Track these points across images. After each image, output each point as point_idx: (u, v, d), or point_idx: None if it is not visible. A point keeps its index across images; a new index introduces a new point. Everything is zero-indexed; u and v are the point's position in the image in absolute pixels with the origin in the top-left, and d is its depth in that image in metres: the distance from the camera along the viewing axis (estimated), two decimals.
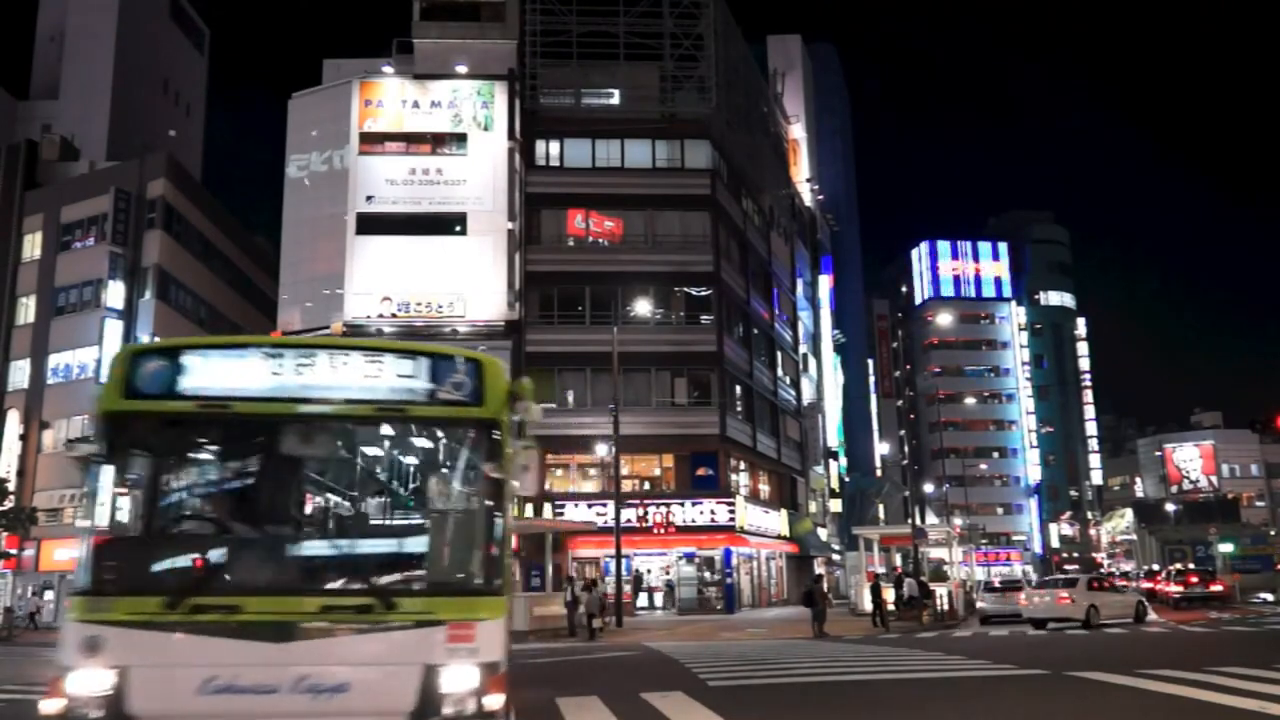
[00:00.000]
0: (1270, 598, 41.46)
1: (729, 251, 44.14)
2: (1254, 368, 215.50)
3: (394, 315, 40.02)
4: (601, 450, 37.99)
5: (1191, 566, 48.61)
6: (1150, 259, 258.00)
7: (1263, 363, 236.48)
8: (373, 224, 40.74)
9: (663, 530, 38.57)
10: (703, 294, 41.73)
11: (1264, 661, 14.48)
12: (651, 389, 40.60)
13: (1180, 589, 38.71)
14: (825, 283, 66.72)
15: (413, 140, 41.81)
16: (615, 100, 44.17)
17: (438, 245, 40.65)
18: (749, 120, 50.81)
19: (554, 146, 43.02)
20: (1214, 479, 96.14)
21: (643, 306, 40.22)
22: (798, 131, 65.52)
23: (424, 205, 40.98)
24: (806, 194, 65.19)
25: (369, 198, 40.97)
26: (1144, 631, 24.64)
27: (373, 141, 41.72)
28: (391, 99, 42.05)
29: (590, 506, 38.44)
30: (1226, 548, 58.81)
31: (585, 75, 43.56)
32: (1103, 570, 78.65)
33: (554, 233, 42.20)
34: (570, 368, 40.46)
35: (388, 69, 42.95)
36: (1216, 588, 38.57)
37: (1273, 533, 76.47)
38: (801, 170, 65.08)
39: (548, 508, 38.66)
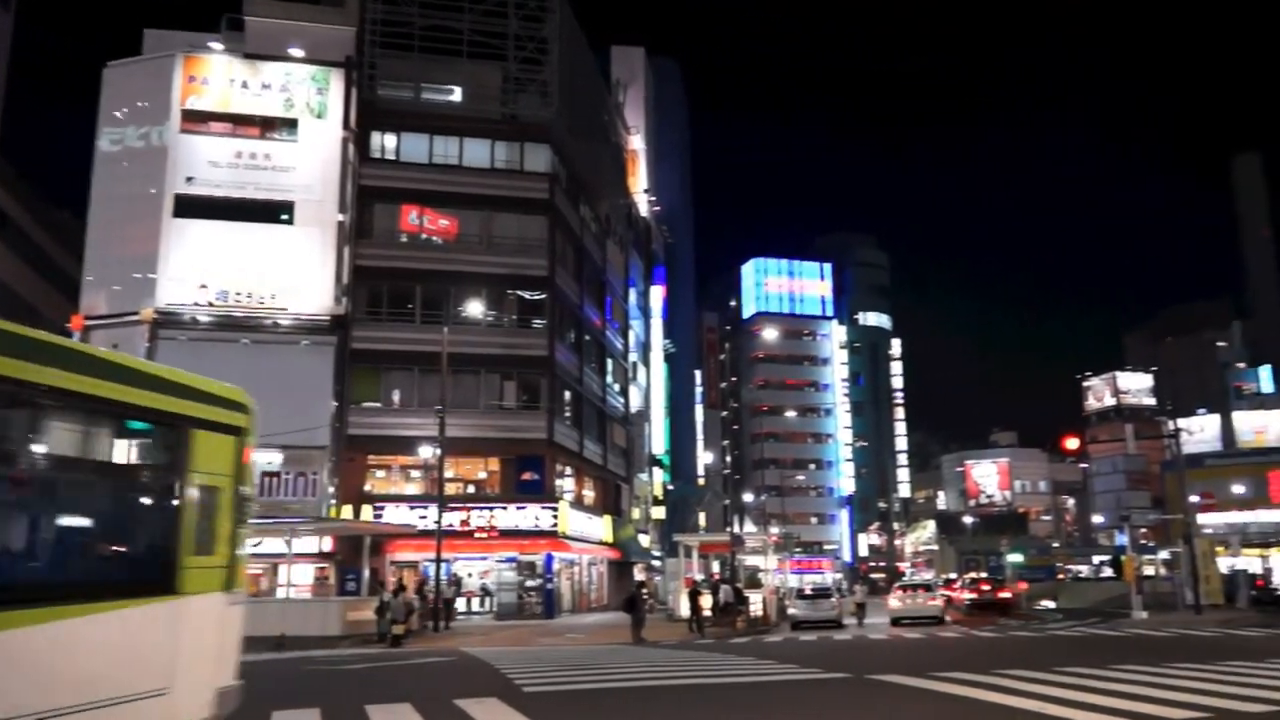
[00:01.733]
0: (1052, 605, 44.64)
1: (564, 257, 44.21)
2: (1047, 391, 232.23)
3: (211, 304, 38.08)
4: (426, 452, 37.29)
5: (984, 575, 51.71)
6: (961, 286, 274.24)
7: (1055, 387, 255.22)
8: (192, 207, 38.64)
9: (486, 535, 38.19)
10: (536, 298, 41.62)
11: (1044, 664, 15.61)
12: (480, 391, 40.16)
13: (974, 596, 41.00)
14: (658, 293, 67.77)
15: (240, 122, 39.93)
16: (456, 97, 43.56)
17: (262, 233, 38.95)
18: (590, 128, 51.10)
19: (390, 140, 42.02)
20: (1008, 494, 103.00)
21: (475, 308, 39.76)
22: (637, 143, 66.33)
23: (249, 191, 39.18)
24: (643, 205, 66.07)
25: (189, 179, 38.84)
26: (939, 636, 26.11)
27: (196, 120, 39.59)
28: (219, 77, 40.04)
29: (412, 509, 37.65)
30: (1016, 558, 63.09)
31: (426, 69, 42.76)
32: (905, 578, 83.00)
33: (387, 228, 41.17)
34: (398, 367, 39.56)
35: (216, 45, 40.91)
36: (1005, 595, 41.08)
37: (1056, 545, 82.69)
38: (639, 181, 65.91)
39: (367, 510, 37.66)
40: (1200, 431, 68.76)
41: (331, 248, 39.14)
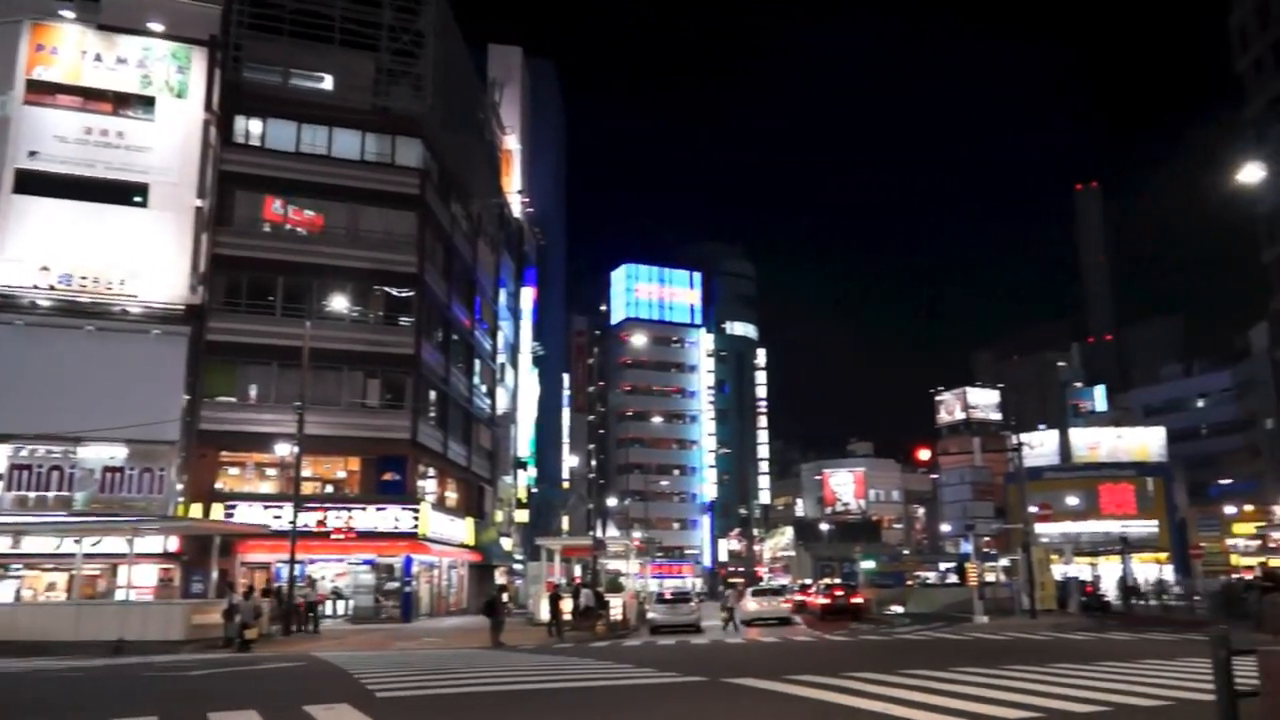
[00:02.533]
0: (900, 610, 46.32)
1: (434, 254, 43.52)
2: (903, 404, 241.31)
3: (53, 288, 35.92)
4: (283, 450, 36.07)
5: (838, 581, 53.29)
6: (826, 301, 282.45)
7: (910, 400, 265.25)
8: (35, 183, 36.38)
9: (343, 536, 37.20)
10: (404, 295, 40.83)
11: (890, 667, 16.19)
12: (342, 389, 39.14)
13: (827, 601, 42.19)
14: (528, 295, 67.44)
15: (92, 96, 37.81)
16: (327, 85, 42.37)
17: (113, 215, 36.98)
18: (464, 124, 50.49)
19: (255, 125, 40.54)
20: (863, 502, 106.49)
21: (339, 302, 38.74)
22: (512, 143, 65.92)
23: (100, 170, 37.14)
24: (516, 205, 65.68)
25: (32, 153, 36.56)
26: (794, 641, 26.77)
27: (43, 91, 37.30)
28: (70, 48, 37.83)
29: (266, 509, 36.37)
30: (868, 564, 65.36)
31: (296, 54, 41.44)
32: (762, 583, 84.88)
33: (248, 216, 39.66)
34: (256, 361, 38.16)
35: (68, 13, 38.65)
36: (857, 600, 42.42)
37: (906, 552, 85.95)
38: (513, 181, 65.49)
39: (218, 508, 36.19)
40: (1040, 446, 72.63)
41: (188, 234, 37.47)
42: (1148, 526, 69.02)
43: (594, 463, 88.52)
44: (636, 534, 75.99)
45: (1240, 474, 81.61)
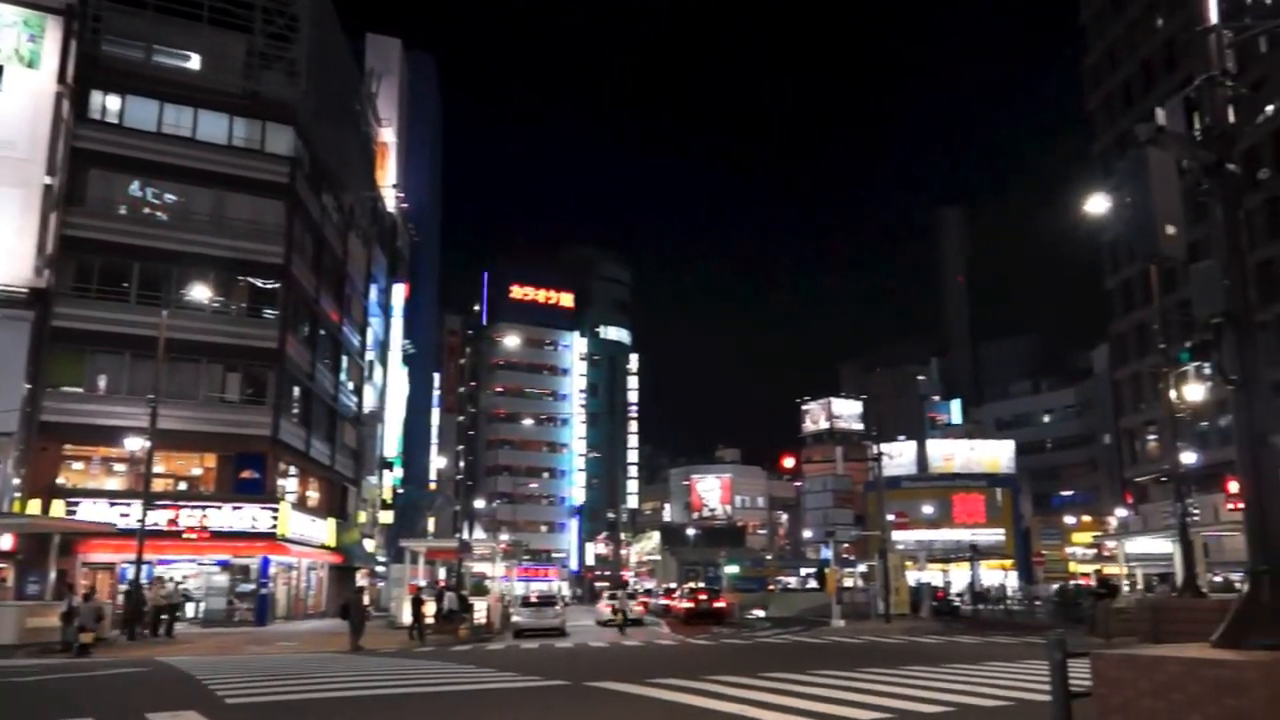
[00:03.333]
0: (762, 614, 47.29)
1: (303, 246, 42.23)
2: (771, 413, 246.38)
3: None
4: (134, 444, 34.33)
5: (702, 585, 54.02)
6: (700, 309, 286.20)
7: (778, 408, 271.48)
8: None
9: (196, 536, 35.68)
10: (269, 286, 39.46)
11: (750, 670, 16.51)
12: (200, 381, 37.56)
13: (691, 605, 42.76)
14: (400, 291, 66.16)
15: None
16: (194, 64, 40.58)
17: None
18: (339, 114, 49.19)
19: (114, 101, 38.52)
20: (729, 508, 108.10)
21: (200, 292, 37.14)
22: (388, 135, 64.59)
23: None
24: (391, 200, 64.37)
25: None
26: (657, 644, 27.02)
27: None
28: None
29: (113, 506, 34.54)
30: (732, 569, 66.49)
31: (161, 30, 39.55)
32: (629, 586, 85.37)
33: (103, 197, 37.63)
34: (106, 350, 36.23)
35: None
36: (720, 605, 43.12)
37: (769, 557, 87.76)
38: (388, 175, 64.17)
39: (58, 505, 34.19)
40: (900, 456, 75.31)
41: (35, 213, 35.25)
42: (995, 535, 72.39)
43: (462, 464, 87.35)
44: (504, 537, 75.40)
45: (1080, 486, 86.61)
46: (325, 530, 44.49)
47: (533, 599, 37.21)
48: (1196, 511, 37.55)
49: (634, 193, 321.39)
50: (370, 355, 57.39)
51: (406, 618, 31.13)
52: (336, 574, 47.80)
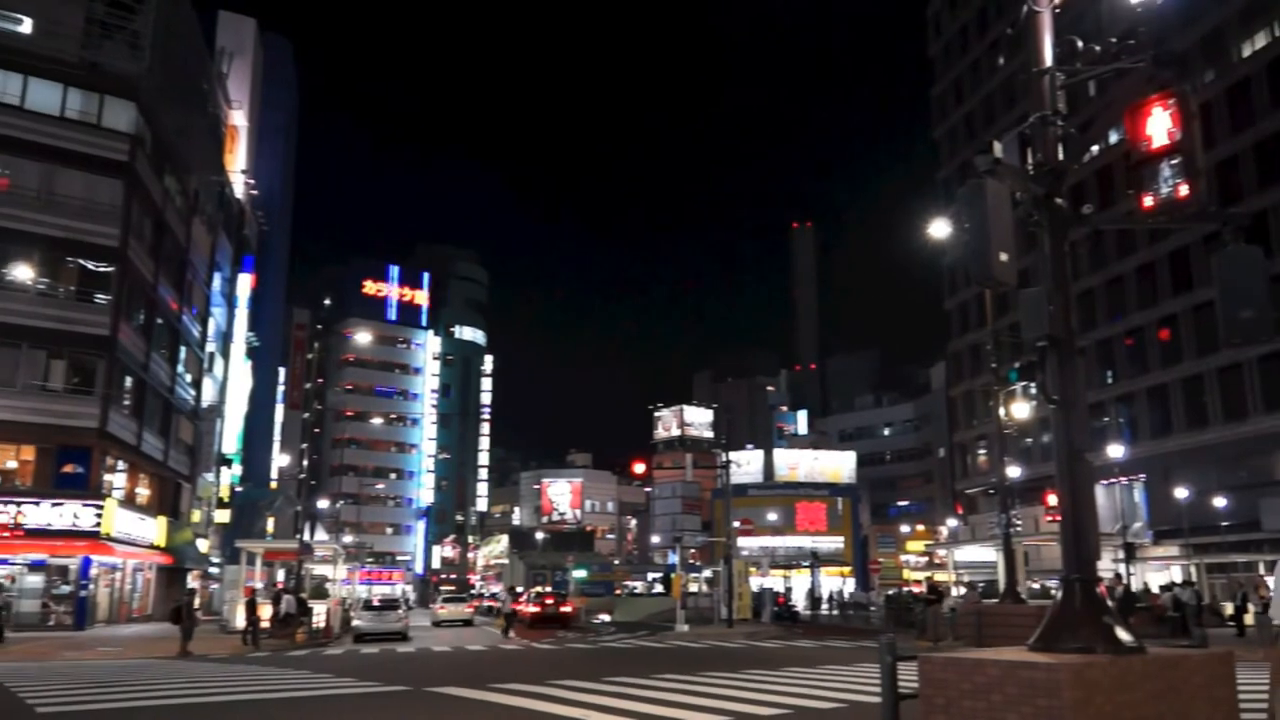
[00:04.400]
0: (608, 618, 47.49)
1: (141, 229, 40.01)
2: (624, 418, 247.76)
3: None
4: None
5: (549, 589, 53.89)
6: (557, 314, 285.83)
7: (631, 414, 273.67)
8: None
9: (9, 534, 33.29)
10: (102, 270, 37.21)
11: (594, 675, 16.56)
12: (20, 368, 35.06)
13: (538, 609, 42.59)
14: (246, 282, 63.50)
15: None
16: (25, 29, 37.94)
17: None
18: (186, 93, 46.91)
19: None
20: (579, 512, 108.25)
21: (23, 272, 34.72)
22: (239, 119, 61.99)
23: None
24: (239, 186, 61.78)
25: None
26: (501, 649, 26.81)
27: None
28: None
29: None
30: (580, 573, 66.54)
31: None
32: (473, 589, 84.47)
33: None
34: None
35: None
36: (566, 609, 43.10)
37: (617, 562, 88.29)
38: (237, 160, 61.57)
39: None
40: (747, 464, 77.02)
41: None
42: (835, 542, 74.87)
43: (306, 463, 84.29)
44: (347, 538, 73.40)
45: (915, 496, 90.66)
46: (155, 529, 42.26)
47: (375, 602, 36.34)
48: (1019, 522, 39.80)
49: (494, 195, 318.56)
50: (211, 347, 54.89)
51: (240, 621, 29.89)
52: (166, 576, 45.46)
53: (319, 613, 32.58)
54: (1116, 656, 5.96)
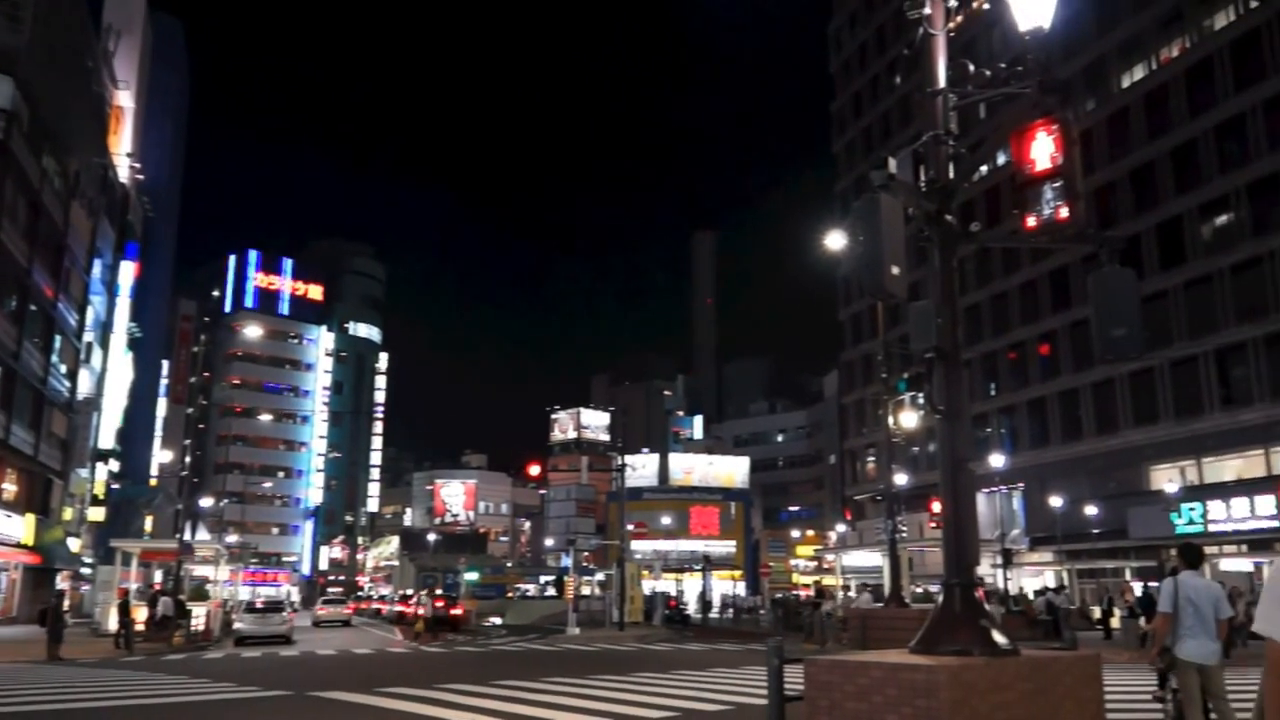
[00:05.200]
0: (499, 621, 47.15)
1: (15, 210, 38.00)
2: (521, 420, 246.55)
3: None
4: None
5: (439, 592, 53.21)
6: (455, 313, 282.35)
7: (529, 416, 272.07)
8: None
9: None
10: None
11: (483, 678, 16.41)
12: None
13: (427, 612, 41.95)
14: (129, 270, 60.93)
15: None
16: None
17: None
18: (68, 70, 44.80)
19: None
20: (472, 514, 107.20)
21: None
22: (125, 100, 59.50)
23: None
24: (124, 169, 59.28)
25: None
26: (389, 652, 26.33)
27: None
28: None
29: None
30: (472, 576, 65.83)
31: None
32: (361, 592, 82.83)
33: None
34: None
35: None
36: (456, 612, 42.57)
37: (510, 564, 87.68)
38: (123, 142, 59.09)
39: None
40: (643, 468, 77.34)
41: None
42: (728, 546, 75.83)
43: (189, 459, 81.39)
44: (231, 538, 71.16)
45: (806, 502, 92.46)
46: (22, 527, 40.18)
47: (258, 604, 35.30)
48: (905, 528, 41.01)
49: (394, 192, 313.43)
50: (89, 337, 52.49)
51: (113, 624, 28.67)
52: (34, 576, 43.27)
53: (198, 615, 31.51)
54: (992, 658, 6.17)
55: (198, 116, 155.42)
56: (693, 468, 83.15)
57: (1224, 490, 38.41)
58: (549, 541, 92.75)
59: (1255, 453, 39.32)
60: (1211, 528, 37.00)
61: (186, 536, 40.34)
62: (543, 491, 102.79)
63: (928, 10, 7.30)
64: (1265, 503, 35.46)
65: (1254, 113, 39.66)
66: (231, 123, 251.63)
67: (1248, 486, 37.43)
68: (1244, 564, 37.98)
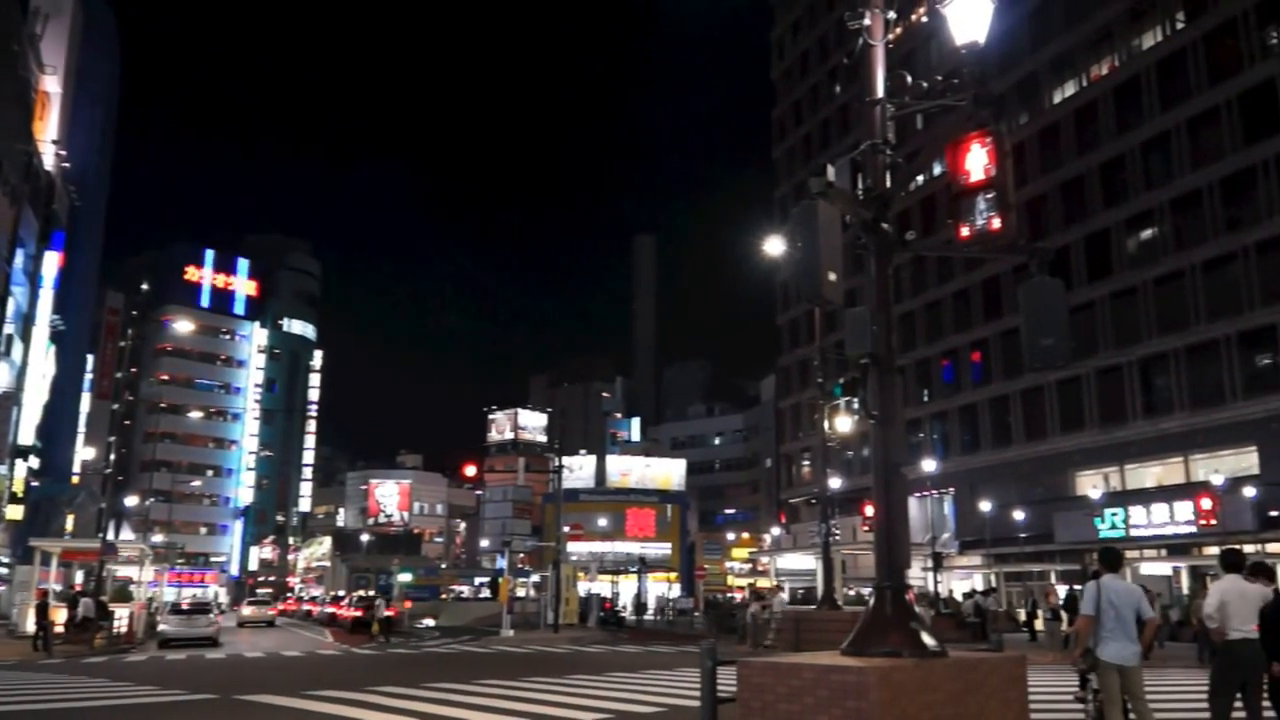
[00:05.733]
0: (432, 623, 46.66)
1: None
2: (459, 420, 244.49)
3: None
4: None
5: (372, 593, 52.55)
6: (392, 310, 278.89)
7: (467, 416, 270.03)
8: None
9: None
10: None
11: (415, 681, 16.23)
12: None
13: (359, 613, 41.37)
14: (54, 260, 59.09)
15: None
16: None
17: None
18: None
19: None
20: (406, 515, 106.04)
21: None
22: (52, 85, 57.74)
23: None
24: (49, 157, 57.54)
25: None
26: (319, 654, 25.92)
27: None
28: None
29: None
30: (405, 577, 65.10)
31: None
32: (292, 593, 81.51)
33: None
34: None
35: None
36: (389, 613, 41.96)
37: (444, 566, 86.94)
38: (49, 129, 57.32)
39: None
40: (580, 470, 77.21)
41: None
42: (663, 549, 76.02)
43: (113, 456, 79.18)
44: (156, 538, 69.45)
45: (742, 505, 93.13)
46: None
47: (184, 606, 34.53)
48: (838, 532, 41.44)
49: (332, 188, 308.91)
50: (10, 329, 50.84)
51: (31, 626, 27.81)
52: None
53: (121, 617, 30.72)
54: (921, 660, 6.28)
55: (131, 106, 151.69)
56: (630, 470, 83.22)
57: (1145, 496, 39.58)
58: (484, 543, 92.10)
59: (1175, 460, 40.55)
60: (1133, 533, 38.08)
61: (110, 536, 39.32)
62: (479, 492, 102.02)
63: (868, 21, 7.42)
64: (1184, 509, 36.59)
65: (1178, 131, 40.89)
66: (166, 113, 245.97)
67: (1168, 493, 38.60)
68: (1163, 568, 39.15)
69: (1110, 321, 42.98)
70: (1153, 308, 41.22)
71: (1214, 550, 34.92)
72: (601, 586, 59.90)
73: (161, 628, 31.51)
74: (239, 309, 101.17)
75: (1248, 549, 28.88)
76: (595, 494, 77.78)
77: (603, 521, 74.31)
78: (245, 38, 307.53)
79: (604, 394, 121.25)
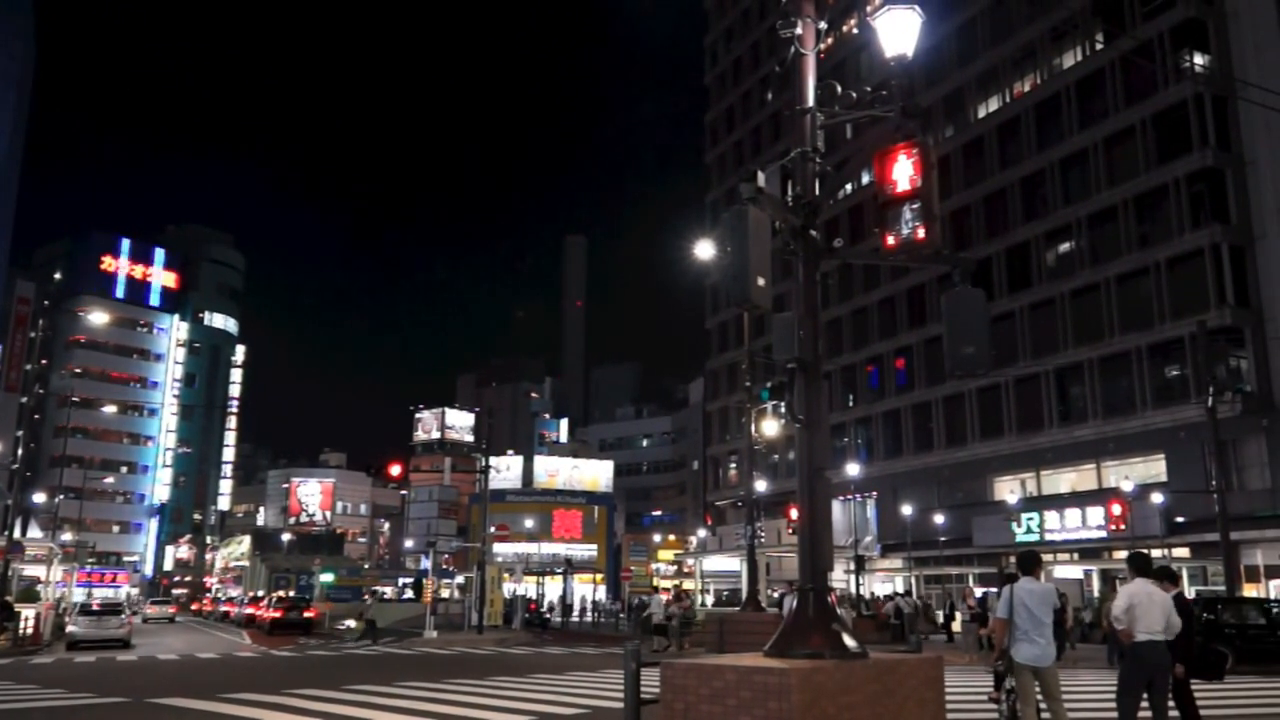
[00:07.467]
0: (353, 624, 45.92)
1: None
2: (385, 419, 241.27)
3: None
4: None
5: (292, 594, 51.57)
6: (319, 307, 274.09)
7: (390, 414, 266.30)
8: None
9: None
10: None
11: (335, 683, 15.96)
12: None
13: (278, 614, 40.60)
14: None
15: None
16: None
17: None
18: None
19: None
20: (329, 514, 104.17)
21: None
22: None
23: None
24: None
25: None
26: (236, 656, 25.35)
27: None
28: None
29: None
30: (327, 578, 63.96)
31: None
32: (209, 593, 79.58)
33: None
34: None
35: None
36: (309, 615, 41.28)
37: (367, 566, 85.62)
38: None
39: None
40: (507, 470, 76.69)
41: None
42: (590, 550, 75.87)
43: (21, 451, 76.36)
44: (66, 536, 67.23)
45: (669, 507, 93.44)
46: None
47: (94, 606, 33.49)
48: (764, 534, 41.87)
49: (258, 182, 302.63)
50: None
51: None
52: None
53: (27, 617, 29.67)
54: (842, 661, 6.37)
55: (49, 93, 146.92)
56: (557, 471, 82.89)
57: (1059, 502, 40.74)
58: (409, 543, 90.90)
59: (1088, 467, 41.78)
60: (1048, 537, 39.15)
61: (15, 534, 37.92)
62: (404, 492, 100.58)
63: (799, 30, 7.51)
64: (1095, 514, 37.79)
65: (1095, 149, 42.14)
66: (85, 102, 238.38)
67: (1081, 499, 39.78)
68: (1075, 571, 40.32)
69: (1029, 332, 44.11)
70: (1069, 319, 42.39)
71: (1124, 554, 36.10)
72: (527, 587, 59.60)
73: (70, 629, 30.50)
74: (156, 300, 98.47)
75: (1155, 554, 29.93)
76: (522, 495, 77.32)
77: (529, 522, 73.84)
78: (172, 29, 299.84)
79: (532, 394, 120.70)
